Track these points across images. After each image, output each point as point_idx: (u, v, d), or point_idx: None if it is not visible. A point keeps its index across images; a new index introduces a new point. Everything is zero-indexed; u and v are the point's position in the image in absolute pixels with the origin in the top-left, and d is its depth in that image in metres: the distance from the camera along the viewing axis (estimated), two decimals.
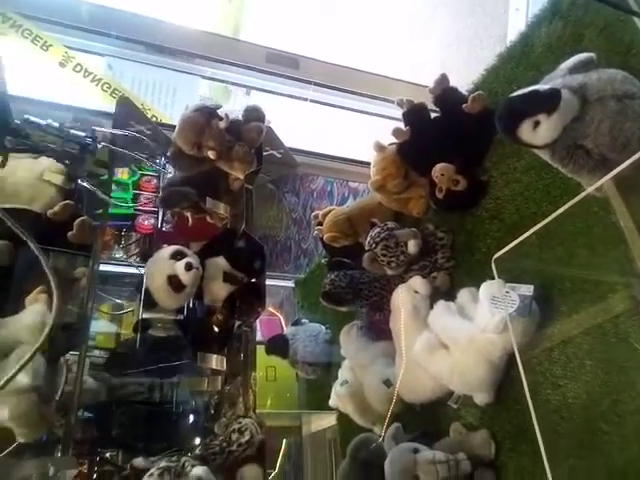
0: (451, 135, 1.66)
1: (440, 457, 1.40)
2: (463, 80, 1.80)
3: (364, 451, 1.77)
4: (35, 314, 1.68)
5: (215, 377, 1.82)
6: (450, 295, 1.64)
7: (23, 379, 1.59)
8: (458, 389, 1.54)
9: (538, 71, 1.50)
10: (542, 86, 1.20)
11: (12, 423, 1.55)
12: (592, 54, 1.25)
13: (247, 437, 1.46)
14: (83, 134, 1.82)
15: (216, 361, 1.74)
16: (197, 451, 1.58)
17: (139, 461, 1.49)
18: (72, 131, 1.81)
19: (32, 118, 1.74)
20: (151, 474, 1.38)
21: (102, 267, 1.98)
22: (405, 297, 1.70)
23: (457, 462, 1.41)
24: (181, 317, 1.94)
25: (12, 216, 1.79)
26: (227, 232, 1.97)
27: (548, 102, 1.14)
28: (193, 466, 1.38)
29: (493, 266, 1.33)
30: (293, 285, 3.17)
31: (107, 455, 2.05)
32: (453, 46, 2.65)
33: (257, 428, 1.49)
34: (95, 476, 1.89)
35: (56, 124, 1.79)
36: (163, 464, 1.39)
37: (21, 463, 1.47)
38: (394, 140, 1.81)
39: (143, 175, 4.07)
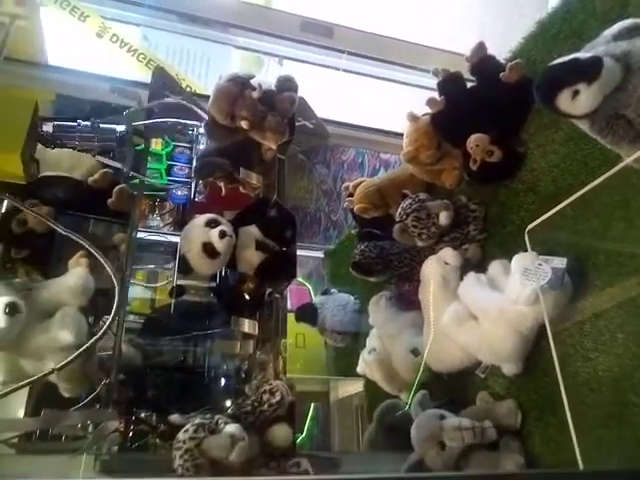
0: (487, 105, 1.63)
1: (466, 424, 1.42)
2: (501, 48, 1.76)
3: (390, 416, 1.81)
4: (77, 277, 1.77)
5: (247, 341, 1.88)
6: (481, 267, 1.64)
7: (67, 337, 1.69)
8: (486, 359, 1.55)
9: (580, 39, 1.45)
10: (583, 54, 1.16)
11: (57, 378, 1.65)
12: (638, 20, 1.20)
13: (278, 398, 1.50)
14: (114, 126, 1.82)
15: (249, 325, 1.79)
16: (229, 411, 1.64)
17: (175, 417, 1.55)
18: (103, 125, 1.81)
19: (63, 123, 1.74)
20: (186, 430, 1.44)
21: (138, 235, 2.04)
22: (435, 268, 1.71)
23: (483, 429, 1.43)
24: (214, 284, 2.00)
25: (55, 183, 1.88)
26: (259, 202, 1.99)
27: (589, 71, 1.11)
28: (226, 423, 1.43)
29: (526, 237, 1.32)
30: (322, 256, 3.20)
31: (142, 415, 2.15)
32: (491, 13, 2.57)
33: (287, 390, 1.53)
34: (131, 434, 1.98)
35: (87, 122, 1.79)
36: (198, 421, 1.45)
37: (67, 413, 1.56)
38: (428, 110, 1.80)
39: (176, 147, 4.15)
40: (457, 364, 1.65)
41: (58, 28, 2.37)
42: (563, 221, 1.34)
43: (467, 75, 1.74)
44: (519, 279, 1.35)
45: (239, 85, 1.80)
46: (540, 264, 1.30)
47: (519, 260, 1.38)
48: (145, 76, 2.18)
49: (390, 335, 1.94)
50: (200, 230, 1.75)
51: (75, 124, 1.77)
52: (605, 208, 1.29)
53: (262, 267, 1.81)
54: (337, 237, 3.55)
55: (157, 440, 1.89)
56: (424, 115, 1.82)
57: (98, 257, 1.57)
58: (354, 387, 2.43)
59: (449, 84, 1.74)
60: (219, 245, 1.71)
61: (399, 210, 1.79)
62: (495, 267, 1.55)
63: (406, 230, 1.76)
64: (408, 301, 1.97)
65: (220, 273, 1.95)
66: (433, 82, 1.79)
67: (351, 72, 2.04)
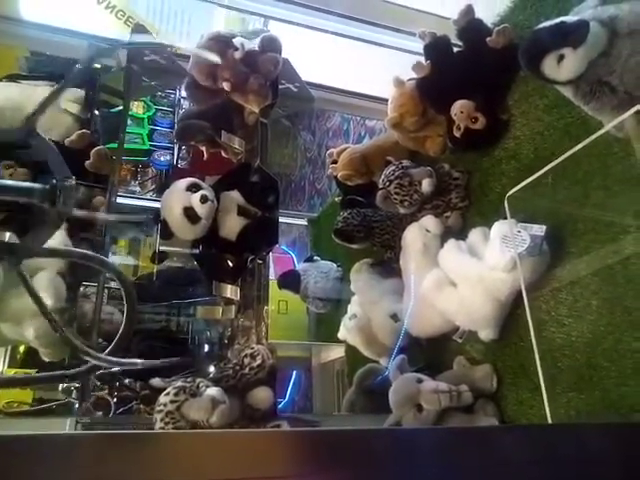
0: (473, 70, 1.61)
1: (443, 387, 1.45)
2: (490, 12, 1.72)
3: (370, 380, 1.85)
4: (56, 241, 1.74)
5: (229, 307, 1.88)
6: (462, 235, 1.65)
7: (46, 302, 1.67)
8: (464, 325, 1.58)
9: (568, 3, 1.43)
10: (570, 18, 1.15)
11: (36, 342, 1.64)
12: None
13: (259, 361, 1.52)
14: None
15: (230, 291, 1.79)
16: (211, 375, 1.66)
17: (157, 381, 1.56)
18: None
19: None
20: (167, 393, 1.45)
21: (119, 201, 2.01)
22: (416, 235, 1.71)
23: (459, 393, 1.47)
24: (196, 250, 1.98)
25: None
26: (242, 166, 1.96)
27: (575, 35, 1.10)
28: (207, 387, 1.45)
29: (506, 204, 1.33)
30: (306, 224, 3.19)
31: (126, 381, 2.16)
32: None
33: (268, 354, 1.55)
34: (115, 400, 1.99)
35: None
36: (179, 384, 1.47)
37: None
38: (414, 75, 1.77)
39: (158, 110, 4.04)
40: (435, 329, 1.67)
41: None
42: (543, 189, 1.35)
43: (454, 39, 1.71)
44: (498, 246, 1.37)
45: (221, 44, 1.75)
46: (519, 231, 1.31)
47: (498, 227, 1.39)
48: (124, 34, 2.10)
49: (371, 301, 1.96)
50: (181, 194, 1.73)
51: None
52: (585, 176, 1.30)
53: (244, 232, 1.79)
54: (321, 205, 3.54)
55: (140, 405, 1.90)
56: (410, 80, 1.79)
57: None
58: (335, 352, 2.47)
59: (436, 48, 1.71)
60: (200, 210, 1.69)
61: (382, 177, 1.78)
62: (475, 234, 1.56)
63: (389, 197, 1.75)
64: (389, 268, 1.99)
65: (202, 238, 1.93)
66: (420, 46, 1.76)
67: (337, 34, 1.99)
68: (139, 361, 1.52)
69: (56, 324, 1.01)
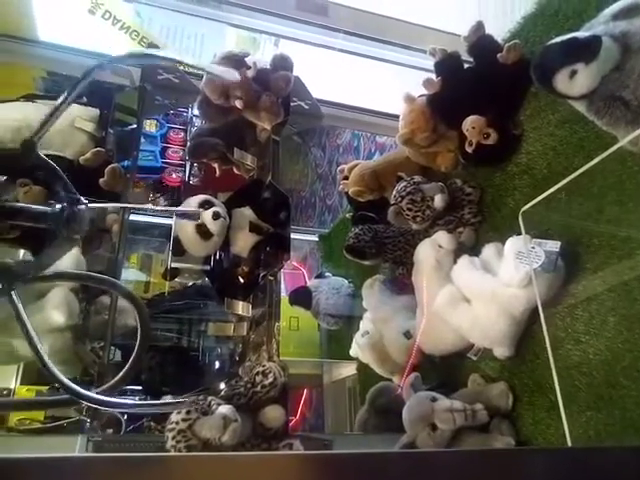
0: (484, 86, 1.62)
1: (457, 406, 1.43)
2: (500, 29, 1.73)
3: (382, 398, 1.82)
4: (69, 258, 1.75)
5: (241, 324, 1.88)
6: (475, 251, 1.63)
7: (58, 318, 1.68)
8: (478, 342, 1.56)
9: (579, 19, 1.43)
10: (582, 33, 1.15)
11: (49, 359, 1.64)
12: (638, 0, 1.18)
13: (271, 379, 1.50)
14: None
15: (242, 307, 1.79)
16: (222, 392, 1.65)
17: (168, 399, 1.56)
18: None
19: None
20: (179, 411, 1.45)
21: (132, 217, 2.02)
22: (429, 251, 1.70)
23: (474, 412, 1.44)
24: (208, 267, 1.98)
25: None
26: (254, 183, 1.97)
27: (587, 50, 1.10)
28: (219, 405, 1.43)
29: (520, 219, 1.31)
30: (317, 240, 3.19)
31: (136, 398, 2.15)
32: None
33: (280, 371, 1.53)
34: (125, 418, 1.99)
35: None
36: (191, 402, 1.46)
37: None
38: (425, 92, 1.77)
39: (171, 128, 4.10)
40: (449, 347, 1.65)
41: (49, 3, 2.32)
42: (557, 204, 1.34)
43: (465, 55, 1.72)
44: (512, 262, 1.35)
45: (233, 63, 1.77)
46: (533, 247, 1.30)
47: (513, 243, 1.38)
48: None
49: (383, 318, 1.94)
50: None
51: None
52: (600, 191, 1.28)
53: (256, 249, 1.80)
54: (332, 221, 3.54)
55: (151, 423, 1.89)
56: (420, 96, 1.80)
57: None
58: (347, 370, 2.44)
59: (446, 65, 1.71)
60: (212, 226, 1.70)
61: (394, 193, 1.78)
62: (489, 250, 1.55)
63: (401, 213, 1.75)
64: (402, 284, 1.97)
65: (214, 255, 1.94)
66: (430, 63, 1.77)
67: (346, 52, 2.01)
68: (130, 402, 1.51)
69: (42, 359, 0.99)
